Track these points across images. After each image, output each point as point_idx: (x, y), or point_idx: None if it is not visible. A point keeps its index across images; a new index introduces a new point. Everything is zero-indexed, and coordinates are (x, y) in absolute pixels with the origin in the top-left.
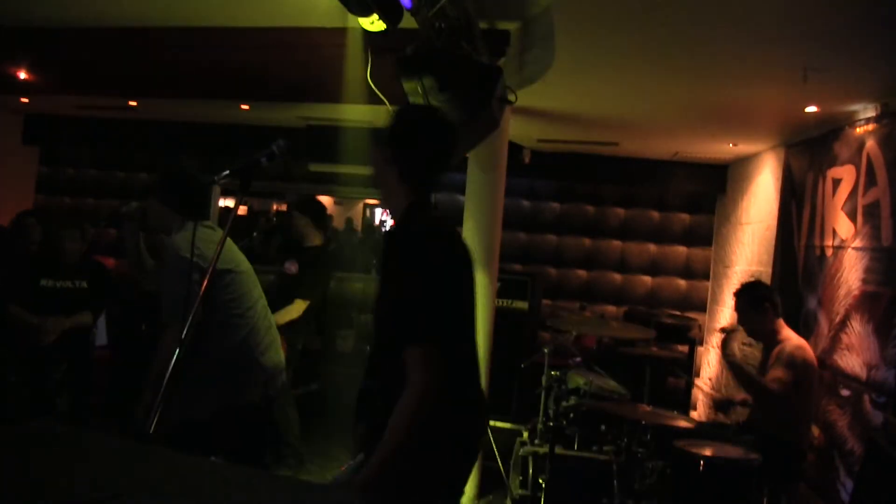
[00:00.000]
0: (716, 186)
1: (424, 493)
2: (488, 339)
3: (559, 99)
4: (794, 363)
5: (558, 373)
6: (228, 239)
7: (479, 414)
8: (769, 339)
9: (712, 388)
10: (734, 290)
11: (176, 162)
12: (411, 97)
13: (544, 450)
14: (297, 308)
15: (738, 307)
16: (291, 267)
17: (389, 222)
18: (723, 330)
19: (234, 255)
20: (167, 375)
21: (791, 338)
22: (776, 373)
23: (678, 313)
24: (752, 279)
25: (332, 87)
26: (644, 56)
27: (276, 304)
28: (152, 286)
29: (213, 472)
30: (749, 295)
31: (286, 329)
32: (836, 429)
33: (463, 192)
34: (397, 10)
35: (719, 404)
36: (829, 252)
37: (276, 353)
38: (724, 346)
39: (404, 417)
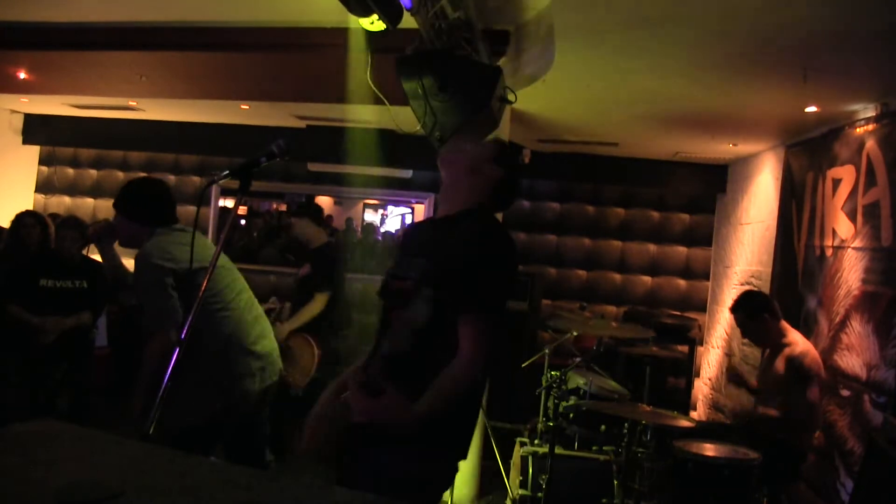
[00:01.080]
0: (716, 186)
1: (447, 443)
2: None
3: (557, 100)
4: (811, 374)
5: (558, 373)
6: (199, 235)
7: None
8: (775, 345)
9: (712, 389)
10: (730, 307)
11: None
12: (411, 97)
13: (544, 450)
14: (318, 302)
15: (738, 322)
16: (304, 270)
17: (396, 222)
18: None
19: (206, 252)
20: (166, 378)
21: (797, 342)
22: (810, 395)
23: (678, 313)
24: (745, 290)
25: (332, 87)
26: (644, 56)
27: (298, 306)
28: (133, 300)
29: (213, 471)
30: (745, 309)
31: (313, 328)
32: (836, 429)
33: None
34: (397, 10)
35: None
36: (829, 252)
37: (270, 342)
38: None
39: (460, 379)
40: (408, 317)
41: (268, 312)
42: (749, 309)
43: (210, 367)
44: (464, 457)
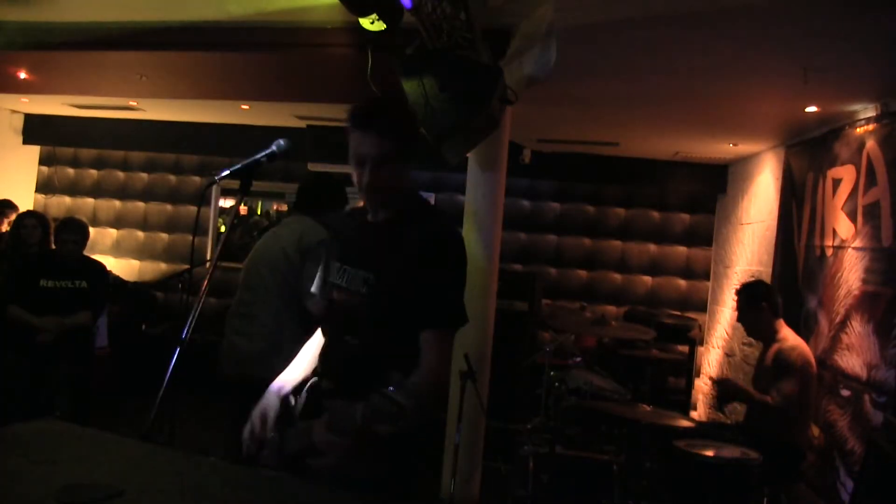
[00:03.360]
0: (716, 186)
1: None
2: (488, 339)
3: (557, 100)
4: (795, 368)
5: (558, 373)
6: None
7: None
8: (767, 338)
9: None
10: (735, 289)
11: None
12: (411, 97)
13: (544, 450)
14: None
15: (738, 305)
16: None
17: None
18: (715, 383)
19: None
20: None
21: (788, 338)
22: (783, 388)
23: (678, 313)
24: (755, 279)
25: (332, 87)
26: (644, 56)
27: None
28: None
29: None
30: (747, 293)
31: None
32: (836, 429)
33: (463, 192)
34: (397, 9)
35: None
36: (830, 252)
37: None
38: (720, 401)
39: (422, 390)
40: (363, 341)
41: None
42: (751, 295)
43: None
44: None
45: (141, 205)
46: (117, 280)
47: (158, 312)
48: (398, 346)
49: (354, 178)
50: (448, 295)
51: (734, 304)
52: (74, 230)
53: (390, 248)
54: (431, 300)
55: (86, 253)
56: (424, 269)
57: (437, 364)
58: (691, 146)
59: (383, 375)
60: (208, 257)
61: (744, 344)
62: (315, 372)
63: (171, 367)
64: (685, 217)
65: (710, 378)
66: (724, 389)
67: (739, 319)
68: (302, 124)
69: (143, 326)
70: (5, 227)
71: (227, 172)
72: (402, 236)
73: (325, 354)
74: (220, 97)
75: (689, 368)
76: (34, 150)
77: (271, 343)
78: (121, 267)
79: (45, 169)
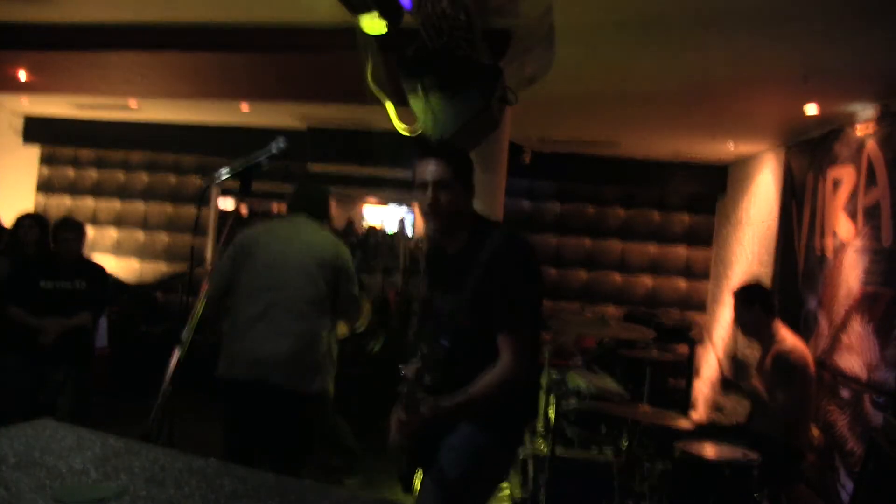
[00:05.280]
0: (716, 187)
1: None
2: None
3: (558, 100)
4: (794, 371)
5: (558, 373)
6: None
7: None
8: (765, 339)
9: (712, 389)
10: (733, 291)
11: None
12: (411, 97)
13: (545, 450)
14: (364, 311)
15: (734, 305)
16: None
17: (410, 227)
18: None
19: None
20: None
21: (786, 338)
22: (782, 395)
23: (678, 313)
24: (752, 281)
25: (332, 87)
26: (644, 56)
27: None
28: None
29: (214, 471)
30: (741, 295)
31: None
32: (836, 429)
33: None
34: (397, 10)
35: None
36: (830, 253)
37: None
38: (726, 384)
39: (496, 381)
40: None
41: None
42: (746, 297)
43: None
44: (520, 443)
45: (141, 205)
46: (117, 281)
47: (158, 312)
48: (484, 351)
49: (419, 204)
50: (514, 301)
51: (732, 304)
52: (72, 228)
53: (468, 275)
54: (500, 308)
55: (86, 253)
56: (493, 283)
57: (509, 363)
58: (691, 146)
59: (470, 375)
60: (208, 257)
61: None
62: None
63: (171, 367)
64: (685, 217)
65: (717, 370)
66: (736, 366)
67: (736, 321)
68: (302, 124)
69: (143, 326)
70: None
71: (226, 172)
72: (473, 262)
73: (433, 361)
74: (220, 97)
75: (689, 368)
76: (34, 151)
77: (301, 347)
78: (121, 267)
79: (45, 169)
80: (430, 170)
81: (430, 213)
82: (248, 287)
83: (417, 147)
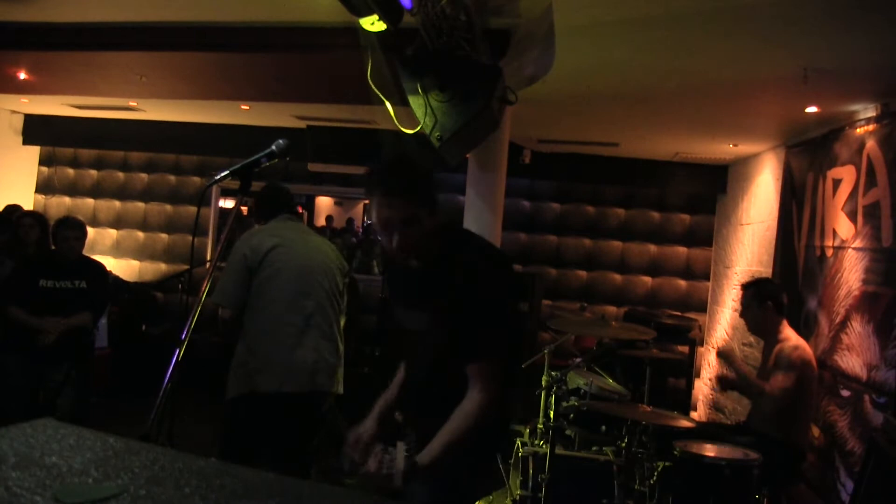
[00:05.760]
0: (716, 187)
1: (471, 472)
2: None
3: (558, 100)
4: (794, 365)
5: (558, 373)
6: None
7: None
8: (769, 337)
9: (712, 389)
10: (742, 283)
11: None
12: (411, 97)
13: (544, 450)
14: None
15: (743, 301)
16: None
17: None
18: (719, 354)
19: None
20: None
21: (790, 338)
22: (778, 379)
23: (678, 314)
24: (762, 276)
25: (332, 87)
26: (645, 56)
27: None
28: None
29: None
30: (755, 290)
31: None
32: (836, 429)
33: (463, 193)
34: (397, 10)
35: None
36: (830, 252)
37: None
38: (722, 382)
39: (470, 418)
40: (423, 376)
41: None
42: (760, 292)
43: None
44: (487, 486)
45: (141, 205)
46: (117, 280)
47: (158, 312)
48: (452, 380)
49: (382, 240)
50: (481, 330)
51: (738, 299)
52: (73, 227)
53: (431, 292)
54: (467, 336)
55: (86, 253)
56: (459, 308)
57: (478, 395)
58: (691, 146)
59: (440, 407)
60: (208, 257)
61: (744, 344)
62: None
63: (171, 367)
64: (685, 217)
65: (716, 350)
66: (727, 360)
67: (742, 315)
68: (302, 124)
69: (143, 326)
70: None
71: (226, 173)
72: (438, 280)
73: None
74: (220, 97)
75: (689, 369)
76: (34, 151)
77: (338, 349)
78: (121, 267)
79: (45, 169)
80: (395, 209)
81: (398, 253)
82: (284, 297)
83: (372, 183)
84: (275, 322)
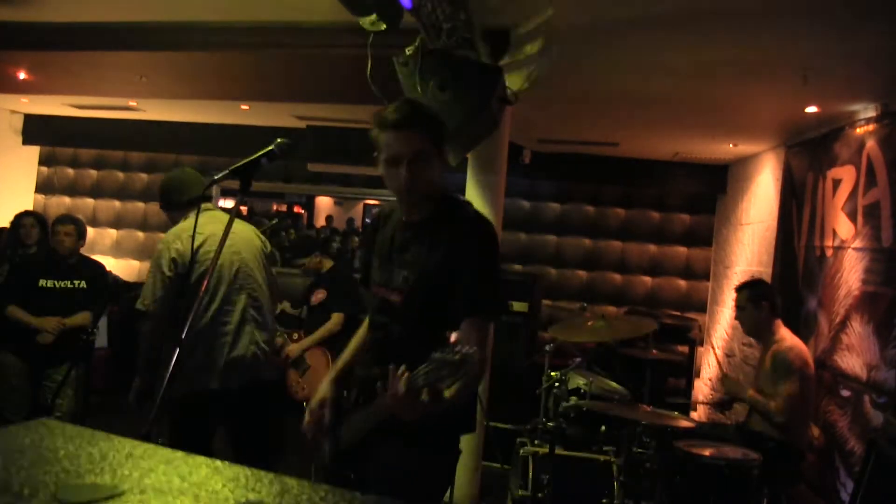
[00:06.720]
0: (716, 187)
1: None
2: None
3: (558, 100)
4: (794, 369)
5: (558, 373)
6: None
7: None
8: (765, 339)
9: (712, 389)
10: (735, 286)
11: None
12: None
13: (544, 450)
14: (334, 321)
15: (738, 303)
16: (318, 294)
17: None
18: (724, 383)
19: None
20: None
21: (786, 338)
22: (781, 391)
23: (678, 314)
24: (756, 278)
25: (332, 87)
26: (645, 56)
27: (314, 328)
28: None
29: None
30: (750, 292)
31: (329, 344)
32: (836, 429)
33: (463, 192)
34: (397, 10)
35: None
36: (830, 252)
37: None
38: (721, 406)
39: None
40: (405, 332)
41: None
42: (754, 294)
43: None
44: (456, 453)
45: (141, 205)
46: (117, 280)
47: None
48: (438, 337)
49: (387, 180)
50: (482, 286)
51: (734, 301)
52: (64, 222)
53: (425, 246)
54: (466, 292)
55: (86, 253)
56: (458, 264)
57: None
58: (691, 146)
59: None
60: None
61: (744, 344)
62: (361, 362)
63: (171, 367)
64: (685, 217)
65: (717, 369)
66: (730, 389)
67: (738, 317)
68: (302, 124)
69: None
70: None
71: (226, 172)
72: (436, 235)
73: (372, 345)
74: (220, 97)
75: (689, 369)
76: (34, 151)
77: (273, 342)
78: (121, 267)
79: (44, 169)
80: (407, 142)
81: (406, 192)
82: (217, 296)
83: (387, 117)
84: (209, 322)
